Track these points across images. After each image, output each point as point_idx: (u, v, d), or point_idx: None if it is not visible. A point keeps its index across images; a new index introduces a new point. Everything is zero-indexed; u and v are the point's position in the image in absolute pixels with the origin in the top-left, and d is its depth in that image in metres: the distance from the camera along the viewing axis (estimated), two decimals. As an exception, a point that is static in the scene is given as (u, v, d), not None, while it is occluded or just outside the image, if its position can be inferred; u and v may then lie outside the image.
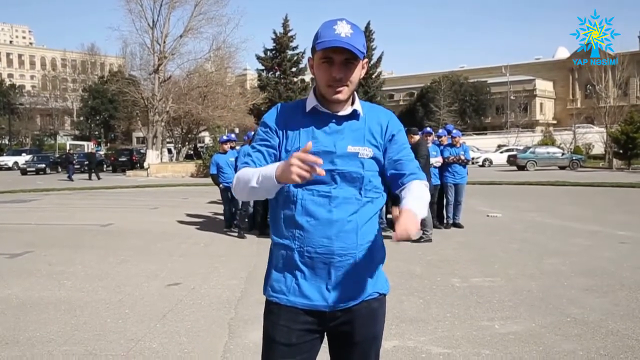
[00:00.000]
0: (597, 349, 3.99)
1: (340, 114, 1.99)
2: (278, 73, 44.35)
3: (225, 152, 10.19)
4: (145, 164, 33.73)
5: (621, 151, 32.58)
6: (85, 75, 74.74)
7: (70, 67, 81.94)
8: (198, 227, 10.82)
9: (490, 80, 71.54)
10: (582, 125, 48.04)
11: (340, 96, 1.94)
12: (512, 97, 68.20)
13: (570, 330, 4.40)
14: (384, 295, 2.06)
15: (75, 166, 32.19)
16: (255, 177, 1.88)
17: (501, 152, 42.32)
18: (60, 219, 12.35)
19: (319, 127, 1.99)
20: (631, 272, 6.37)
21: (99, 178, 29.02)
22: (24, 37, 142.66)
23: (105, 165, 39.80)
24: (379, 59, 50.74)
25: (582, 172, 29.78)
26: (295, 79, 44.21)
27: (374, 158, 2.00)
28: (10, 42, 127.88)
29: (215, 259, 7.61)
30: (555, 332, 4.37)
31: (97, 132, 65.95)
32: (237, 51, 38.58)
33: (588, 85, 63.41)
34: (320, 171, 1.72)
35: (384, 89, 57.26)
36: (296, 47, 43.30)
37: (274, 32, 44.27)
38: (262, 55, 44.63)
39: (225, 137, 10.46)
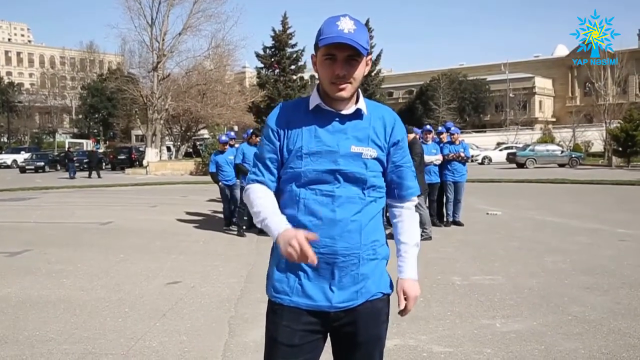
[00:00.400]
0: (598, 347, 3.98)
1: (343, 112, 1.97)
2: (277, 71, 44.22)
3: (224, 151, 10.16)
4: (145, 162, 33.71)
5: (620, 149, 32.58)
6: (84, 73, 74.72)
7: (69, 65, 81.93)
8: (197, 225, 10.80)
9: (489, 78, 71.46)
10: (581, 125, 47.98)
11: (344, 93, 1.92)
12: (511, 95, 68.13)
13: (572, 328, 4.39)
14: (388, 295, 2.05)
15: (75, 164, 32.11)
16: (260, 215, 1.93)
17: (500, 150, 42.31)
18: (59, 217, 12.33)
19: (322, 126, 1.96)
20: (632, 270, 6.36)
21: (99, 176, 29.00)
22: (22, 35, 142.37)
23: (104, 164, 39.75)
24: (378, 56, 50.59)
25: (581, 169, 29.78)
26: (295, 77, 44.08)
27: (377, 159, 1.98)
28: (9, 40, 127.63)
29: (215, 257, 7.60)
30: (557, 330, 4.35)
31: (96, 130, 65.87)
32: (236, 49, 38.64)
33: (587, 83, 63.42)
34: (313, 260, 1.77)
35: (383, 86, 57.10)
36: (295, 45, 43.19)
37: (273, 30, 44.11)
38: (261, 52, 44.50)
39: (224, 138, 10.42)
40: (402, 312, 2.04)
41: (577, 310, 4.85)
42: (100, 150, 48.46)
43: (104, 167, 38.23)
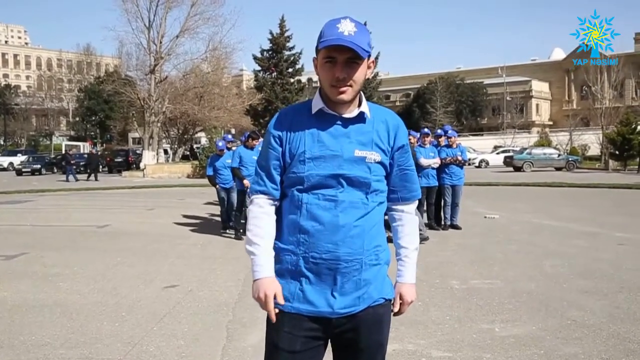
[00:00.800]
0: (598, 352, 3.96)
1: (346, 116, 1.95)
2: (274, 73, 44.22)
3: (221, 155, 10.13)
4: (142, 165, 33.66)
5: (617, 152, 32.64)
6: (81, 76, 74.57)
7: (66, 67, 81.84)
8: (195, 228, 10.77)
9: (486, 81, 71.61)
10: (578, 129, 48.07)
11: (344, 96, 1.89)
12: (508, 98, 68.25)
13: (571, 333, 4.37)
14: (390, 300, 2.03)
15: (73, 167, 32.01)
16: (250, 246, 1.95)
17: (497, 153, 42.37)
18: (56, 220, 12.29)
19: (325, 130, 1.94)
20: (630, 274, 6.35)
21: (96, 179, 28.92)
22: (19, 37, 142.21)
23: (101, 166, 39.67)
24: (376, 59, 50.50)
25: (578, 173, 29.83)
26: (292, 80, 44.08)
27: (380, 163, 1.97)
28: (6, 42, 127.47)
29: (212, 261, 7.56)
30: (556, 335, 4.34)
31: (92, 133, 65.74)
32: (233, 51, 38.58)
33: (584, 87, 63.53)
34: (272, 319, 1.89)
35: (380, 89, 57.14)
36: (293, 48, 43.17)
37: (271, 33, 44.13)
38: (259, 55, 44.51)
39: (221, 144, 10.37)
40: (396, 314, 2.07)
41: (576, 314, 4.84)
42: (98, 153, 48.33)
43: (100, 170, 38.15)
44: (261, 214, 1.98)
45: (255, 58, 44.49)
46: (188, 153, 42.82)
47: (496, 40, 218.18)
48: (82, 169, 33.79)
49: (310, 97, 2.07)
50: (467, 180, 11.78)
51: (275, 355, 1.96)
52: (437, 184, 10.10)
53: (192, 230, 10.46)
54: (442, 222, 10.27)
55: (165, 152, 40.76)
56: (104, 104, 58.50)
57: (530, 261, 7.20)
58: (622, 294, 5.48)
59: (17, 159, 43.24)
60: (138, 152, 40.23)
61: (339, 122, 1.94)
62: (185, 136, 41.76)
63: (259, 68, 44.98)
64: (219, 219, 10.90)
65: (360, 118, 1.96)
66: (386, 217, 2.07)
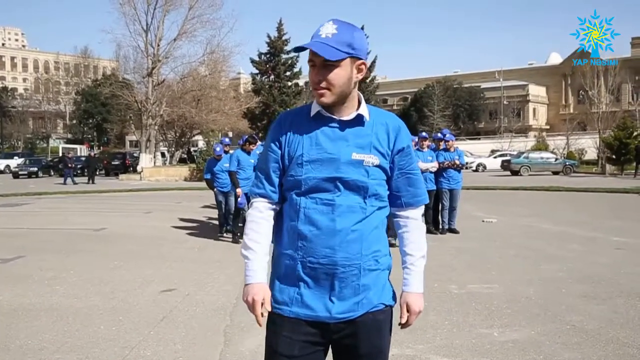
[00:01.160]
0: (597, 357, 3.95)
1: (344, 118, 1.93)
2: (272, 77, 44.29)
3: (219, 159, 10.10)
4: (139, 168, 33.61)
5: (614, 157, 32.68)
6: (78, 78, 74.50)
7: (63, 70, 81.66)
8: (192, 231, 10.74)
9: (483, 85, 71.81)
10: (574, 133, 48.17)
11: (324, 99, 1.88)
12: (505, 102, 68.44)
13: (570, 338, 4.36)
14: (391, 307, 2.00)
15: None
16: (245, 250, 1.96)
17: (495, 157, 42.36)
18: (52, 224, 12.24)
19: (323, 133, 1.93)
20: (628, 278, 6.34)
21: (93, 182, 28.86)
22: (16, 40, 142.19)
23: (98, 169, 39.59)
24: (373, 63, 50.72)
25: (575, 177, 29.86)
26: (290, 83, 44.17)
27: (379, 166, 1.94)
28: (3, 44, 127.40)
29: (209, 265, 7.54)
30: (555, 340, 4.32)
31: (90, 136, 65.64)
32: (231, 55, 38.63)
33: (581, 91, 63.73)
34: (259, 324, 1.89)
35: (377, 93, 57.27)
36: (290, 51, 43.24)
37: (268, 36, 44.21)
38: (256, 59, 44.57)
39: (219, 150, 10.35)
40: (403, 326, 2.01)
41: (575, 319, 4.83)
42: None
43: (97, 173, 38.08)
44: (259, 219, 1.97)
45: (252, 61, 44.54)
46: (185, 156, 42.81)
47: (493, 44, 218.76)
48: (79, 172, 33.68)
49: (307, 100, 2.06)
50: (465, 184, 11.77)
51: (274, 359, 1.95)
52: (435, 188, 10.10)
53: (189, 234, 10.43)
54: (440, 226, 10.27)
55: (163, 155, 40.79)
56: (101, 107, 58.42)
57: (529, 265, 7.19)
58: (620, 299, 5.47)
59: (14, 162, 43.12)
60: (135, 155, 40.19)
61: (336, 125, 1.93)
62: (183, 139, 41.77)
63: (257, 71, 45.04)
64: (216, 222, 10.87)
65: (358, 121, 1.94)
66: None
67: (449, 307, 5.27)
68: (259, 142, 10.08)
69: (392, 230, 2.18)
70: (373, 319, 1.94)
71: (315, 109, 1.95)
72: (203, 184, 12.34)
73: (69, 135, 68.82)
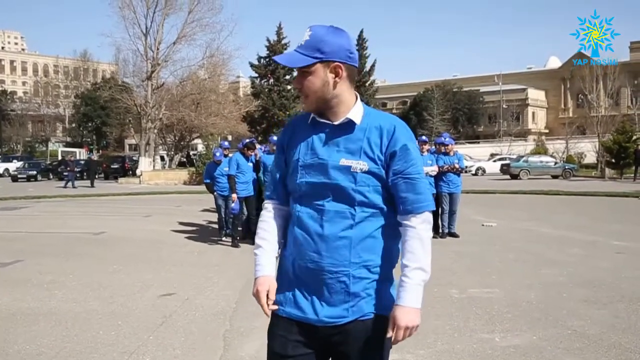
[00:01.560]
0: (600, 363, 3.92)
1: (335, 123, 1.93)
2: (271, 80, 44.32)
3: (218, 164, 10.08)
4: (138, 171, 33.55)
5: (613, 160, 32.69)
6: (77, 82, 74.48)
7: (62, 73, 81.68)
8: (191, 235, 10.71)
9: (482, 89, 71.83)
10: (574, 137, 48.18)
11: (305, 107, 1.95)
12: (504, 106, 68.47)
13: (572, 343, 4.33)
14: (385, 317, 1.90)
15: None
16: (256, 247, 2.05)
17: (494, 161, 42.38)
18: (51, 227, 12.21)
19: (318, 138, 1.95)
20: (629, 283, 6.32)
21: (92, 185, 28.82)
22: (16, 43, 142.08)
23: (97, 173, 39.55)
24: (372, 66, 50.76)
25: (575, 181, 29.86)
26: (289, 87, 44.18)
27: (370, 172, 1.89)
28: (2, 48, 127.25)
29: (209, 269, 7.51)
30: (557, 345, 4.30)
31: (89, 139, 65.61)
32: (230, 58, 38.53)
33: (580, 95, 63.73)
34: (266, 314, 1.96)
35: (377, 97, 57.28)
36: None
37: (268, 40, 44.29)
38: (256, 62, 44.61)
39: (219, 155, 10.33)
40: (394, 342, 1.90)
41: (576, 324, 4.80)
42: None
43: (97, 177, 38.04)
44: (268, 218, 2.06)
45: (252, 65, 44.58)
46: (185, 160, 42.74)
47: (492, 48, 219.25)
48: (78, 175, 33.62)
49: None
50: (464, 188, 11.76)
51: (270, 358, 2.00)
52: (434, 191, 10.08)
53: (188, 238, 10.40)
54: (440, 230, 10.24)
55: (162, 158, 40.70)
56: (101, 110, 58.39)
57: (529, 269, 7.17)
58: (622, 304, 5.45)
59: (13, 165, 43.06)
60: (134, 158, 40.15)
61: (328, 130, 1.94)
62: (182, 143, 41.69)
63: (256, 75, 45.05)
64: (215, 226, 10.84)
65: (348, 125, 1.92)
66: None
67: (450, 312, 5.25)
68: (258, 146, 10.08)
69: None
70: (364, 327, 1.89)
71: (311, 114, 1.97)
72: (202, 188, 12.32)
73: (68, 139, 68.78)
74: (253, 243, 7.48)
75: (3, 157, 52.68)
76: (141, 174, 31.94)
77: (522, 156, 37.31)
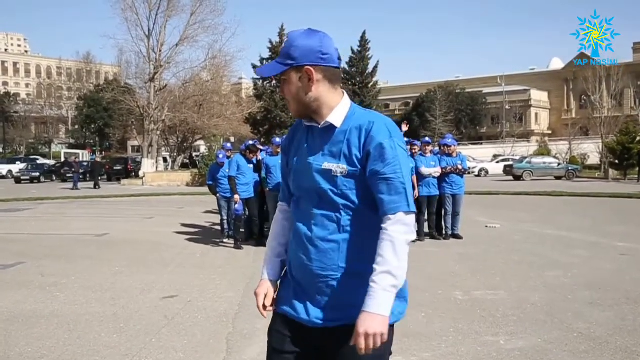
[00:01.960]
0: (606, 366, 3.89)
1: (320, 127, 1.93)
2: (274, 82, 44.31)
3: (221, 166, 10.06)
4: (141, 173, 33.59)
5: (617, 161, 32.62)
6: (80, 84, 74.68)
7: (65, 75, 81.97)
8: (194, 237, 10.69)
9: (485, 90, 71.76)
10: (577, 138, 48.07)
11: (292, 114, 1.98)
12: (507, 107, 68.37)
13: (578, 346, 4.29)
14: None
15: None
16: (267, 248, 2.10)
17: (497, 162, 42.31)
18: (54, 229, 12.20)
19: (306, 141, 1.97)
20: (634, 285, 6.28)
21: (99, 187, 28.79)
22: (19, 45, 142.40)
23: (101, 175, 39.57)
24: (375, 68, 50.70)
25: (578, 182, 29.77)
26: (291, 88, 44.19)
27: (350, 175, 1.84)
28: (6, 50, 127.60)
29: (212, 271, 7.48)
30: (562, 348, 4.26)
31: (92, 141, 65.73)
32: (233, 60, 38.62)
33: (583, 96, 63.69)
34: (263, 315, 1.99)
35: (379, 98, 57.19)
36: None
37: (270, 41, 44.28)
38: (258, 64, 44.60)
39: (221, 157, 10.31)
40: (359, 350, 1.75)
41: (582, 326, 4.76)
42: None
43: (100, 178, 38.07)
44: (277, 220, 2.12)
45: (254, 67, 44.51)
46: (187, 161, 42.77)
47: (495, 50, 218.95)
48: (81, 177, 33.64)
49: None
50: (468, 189, 11.72)
51: (269, 354, 2.01)
52: (438, 193, 10.05)
53: (191, 240, 10.38)
54: (444, 232, 10.21)
55: (165, 160, 40.70)
56: (104, 112, 58.53)
57: (533, 271, 7.12)
58: (627, 306, 5.41)
59: (16, 167, 43.12)
60: (137, 160, 40.17)
61: (316, 134, 1.94)
62: (185, 144, 41.73)
63: (259, 76, 45.00)
64: (218, 228, 10.82)
65: (329, 128, 1.91)
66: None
67: (454, 314, 5.21)
68: (258, 152, 10.05)
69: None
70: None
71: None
72: (205, 190, 12.30)
73: (71, 141, 68.93)
74: (255, 245, 7.58)
75: (7, 159, 52.68)
76: (144, 176, 31.97)
77: (525, 157, 37.22)
